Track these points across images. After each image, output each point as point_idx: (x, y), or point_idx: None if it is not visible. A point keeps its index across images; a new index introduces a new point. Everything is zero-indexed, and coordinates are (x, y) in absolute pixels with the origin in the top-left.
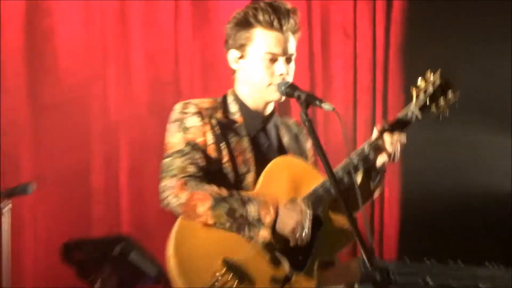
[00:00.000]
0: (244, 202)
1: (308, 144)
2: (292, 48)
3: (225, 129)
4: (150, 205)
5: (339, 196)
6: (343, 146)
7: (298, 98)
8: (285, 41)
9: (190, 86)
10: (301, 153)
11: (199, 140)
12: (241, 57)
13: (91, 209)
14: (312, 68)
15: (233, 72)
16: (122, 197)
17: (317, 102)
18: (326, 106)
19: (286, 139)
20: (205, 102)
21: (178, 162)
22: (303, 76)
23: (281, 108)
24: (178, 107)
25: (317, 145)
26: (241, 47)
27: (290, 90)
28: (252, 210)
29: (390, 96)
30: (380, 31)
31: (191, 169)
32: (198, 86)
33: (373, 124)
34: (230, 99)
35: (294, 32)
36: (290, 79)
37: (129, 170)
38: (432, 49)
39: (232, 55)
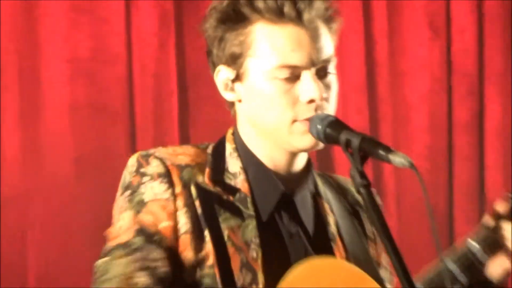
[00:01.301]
0: None
1: None
2: (327, 49)
3: (213, 204)
4: None
5: None
6: (429, 232)
7: (347, 145)
8: (312, 40)
9: (154, 122)
10: (363, 247)
11: (163, 225)
12: (236, 79)
13: None
14: (373, 89)
15: (229, 105)
16: None
17: (382, 152)
18: (398, 158)
19: (334, 219)
20: (182, 155)
21: (119, 265)
22: (355, 102)
23: (320, 159)
24: (132, 162)
25: (382, 230)
26: (233, 60)
27: (332, 130)
28: None
29: None
30: (492, 26)
31: (141, 279)
32: (170, 124)
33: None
34: (229, 149)
35: (327, 21)
36: (331, 108)
37: (41, 276)
38: None
39: (222, 75)
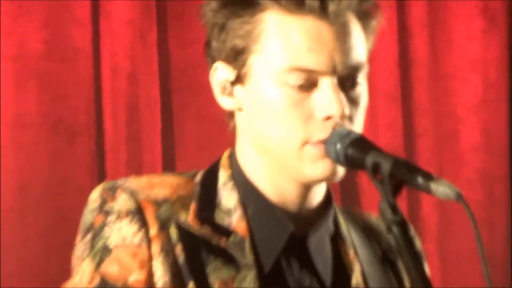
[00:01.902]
0: None
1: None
2: (357, 53)
3: (200, 250)
4: None
5: None
6: (482, 282)
7: (375, 170)
8: (337, 38)
9: (129, 140)
10: None
11: (133, 278)
12: (236, 81)
13: None
14: (409, 97)
15: (227, 116)
16: None
17: (420, 180)
18: (442, 188)
19: (359, 268)
20: (159, 186)
21: None
22: (386, 114)
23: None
24: (94, 198)
25: (421, 281)
26: (234, 55)
27: (355, 150)
28: None
29: None
30: None
31: None
32: (151, 142)
33: None
34: (224, 178)
35: (361, 16)
36: (357, 126)
37: None
38: None
39: (219, 74)
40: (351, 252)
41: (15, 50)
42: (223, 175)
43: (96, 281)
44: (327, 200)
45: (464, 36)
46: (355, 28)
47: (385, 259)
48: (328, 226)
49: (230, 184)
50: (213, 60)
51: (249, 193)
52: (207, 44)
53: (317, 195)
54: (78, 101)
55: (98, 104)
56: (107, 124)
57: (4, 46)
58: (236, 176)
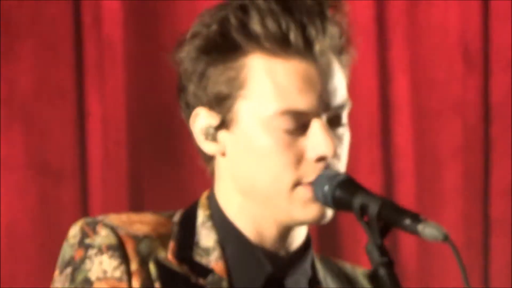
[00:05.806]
0: None
1: None
2: (341, 91)
3: (179, 287)
4: None
5: None
6: None
7: (362, 211)
8: (323, 78)
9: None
10: None
11: None
12: (221, 126)
13: None
14: (389, 139)
15: (205, 159)
16: None
17: (407, 222)
18: (429, 230)
19: None
20: (139, 223)
21: None
22: (366, 157)
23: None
24: (74, 232)
25: None
26: (218, 102)
27: (343, 192)
28: None
29: None
30: None
31: None
32: (137, 184)
33: None
34: (202, 217)
35: (339, 52)
36: (343, 165)
37: None
38: None
39: (201, 120)
40: None
41: (3, 92)
42: (202, 215)
43: None
44: (306, 244)
45: (445, 80)
46: (336, 65)
47: None
48: (306, 269)
49: (209, 224)
50: (189, 106)
51: (228, 233)
52: (181, 89)
53: (297, 238)
54: (64, 144)
55: (82, 147)
56: (91, 168)
57: None
58: (215, 217)
